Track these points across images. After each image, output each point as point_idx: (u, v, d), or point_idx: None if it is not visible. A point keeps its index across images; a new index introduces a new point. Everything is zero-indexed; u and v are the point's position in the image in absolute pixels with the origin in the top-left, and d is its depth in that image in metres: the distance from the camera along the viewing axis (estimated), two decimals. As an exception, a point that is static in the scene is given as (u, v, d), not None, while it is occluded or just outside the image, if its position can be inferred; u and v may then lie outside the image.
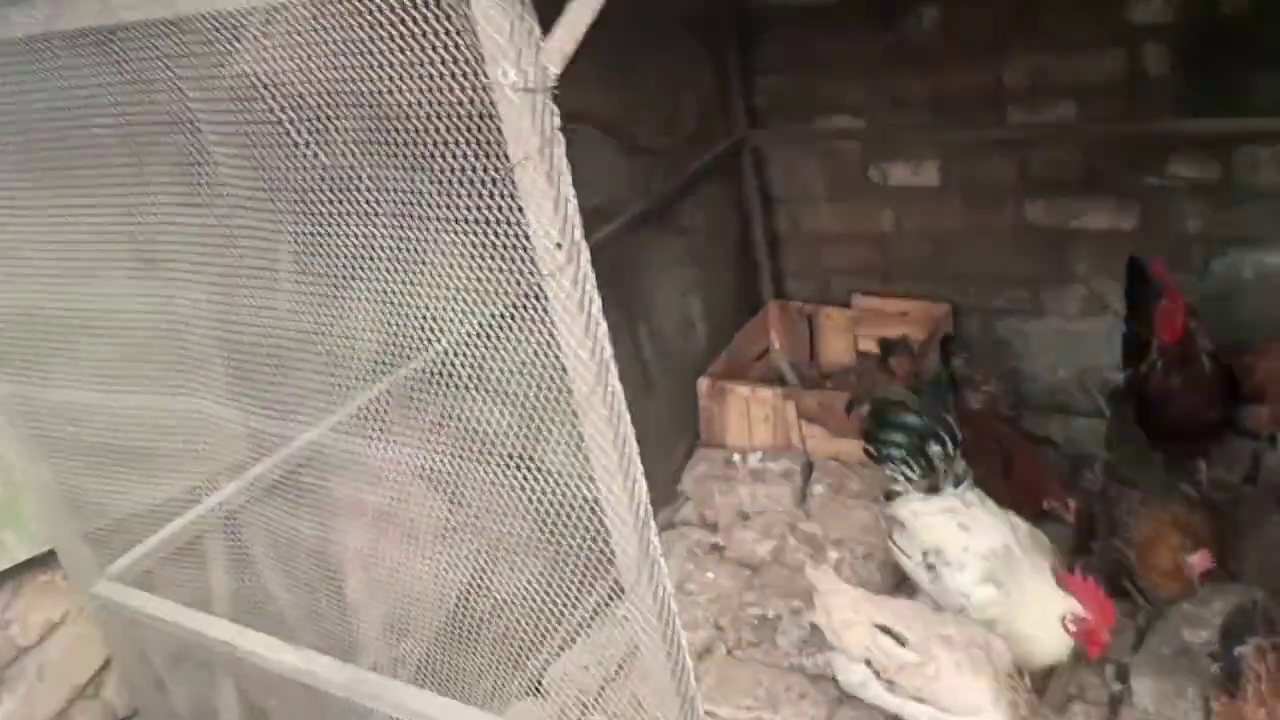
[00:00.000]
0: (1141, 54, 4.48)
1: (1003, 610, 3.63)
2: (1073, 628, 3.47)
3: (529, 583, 2.09)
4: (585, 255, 1.44)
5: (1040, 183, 4.90)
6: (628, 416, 1.60)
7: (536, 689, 4.25)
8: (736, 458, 5.09)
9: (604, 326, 1.50)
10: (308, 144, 1.58)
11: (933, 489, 3.94)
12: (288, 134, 1.58)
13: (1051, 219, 4.95)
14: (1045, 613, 3.56)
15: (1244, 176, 4.47)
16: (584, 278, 1.44)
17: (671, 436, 5.12)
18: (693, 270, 5.25)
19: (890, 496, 4.04)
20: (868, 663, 3.52)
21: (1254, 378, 4.35)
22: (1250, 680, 2.93)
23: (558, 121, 1.37)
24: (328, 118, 1.55)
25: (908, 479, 3.98)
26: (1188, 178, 4.58)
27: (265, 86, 1.56)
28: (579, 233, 1.42)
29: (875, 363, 4.83)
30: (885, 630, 3.49)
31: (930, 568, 3.80)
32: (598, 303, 1.49)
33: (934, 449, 3.92)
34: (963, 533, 3.79)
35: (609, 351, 1.52)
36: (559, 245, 1.40)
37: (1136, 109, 4.55)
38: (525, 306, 1.49)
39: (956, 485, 3.90)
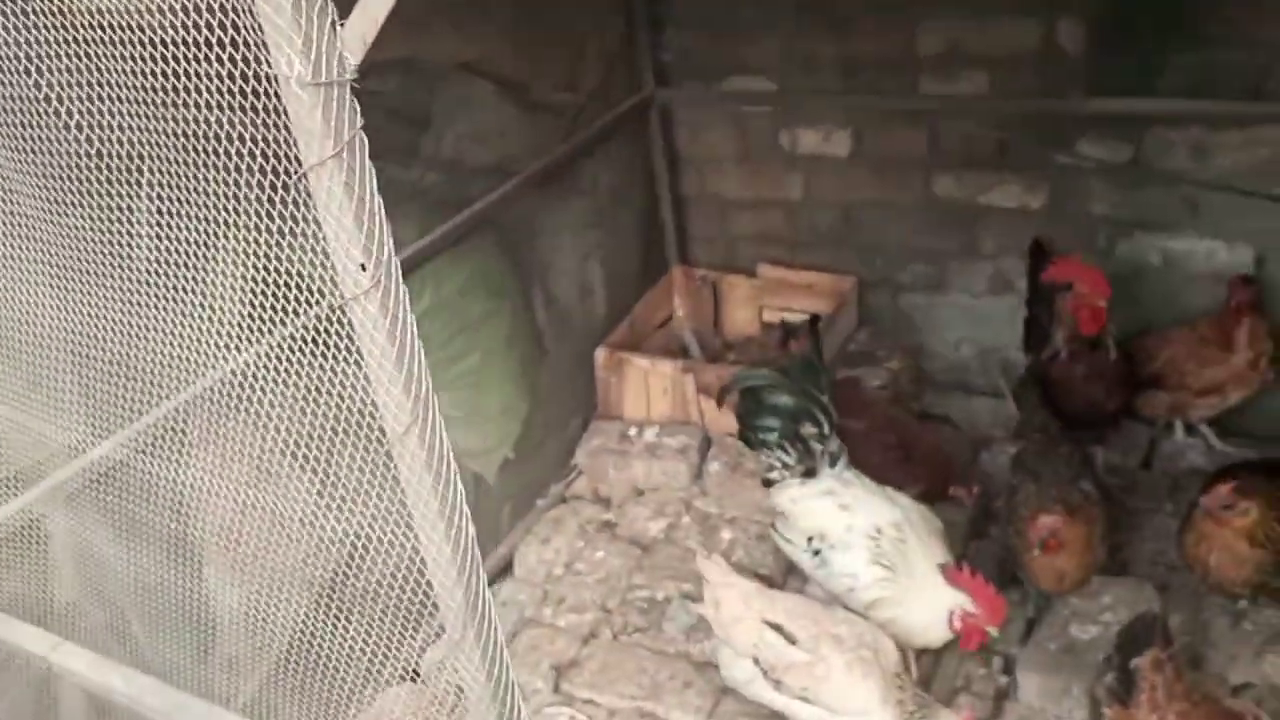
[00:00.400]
0: (1056, 28, 4.36)
1: (892, 591, 3.54)
2: (959, 624, 3.39)
3: (349, 628, 1.89)
4: (397, 276, 1.22)
5: (950, 156, 4.77)
6: (450, 457, 1.40)
7: (414, 674, 4.09)
8: (633, 431, 4.93)
9: (421, 358, 1.29)
10: (79, 125, 1.34)
11: (809, 472, 3.81)
12: (57, 113, 1.34)
13: (961, 194, 4.83)
14: (935, 602, 3.49)
15: (1154, 159, 4.39)
16: (397, 303, 1.22)
17: (567, 407, 4.94)
18: (594, 233, 5.03)
19: (768, 484, 3.91)
20: (755, 660, 3.41)
21: (1154, 364, 4.31)
22: (1145, 690, 2.89)
23: (360, 120, 1.14)
24: (100, 99, 1.31)
25: (784, 464, 3.84)
26: (1098, 158, 4.48)
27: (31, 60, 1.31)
28: (389, 250, 1.20)
29: (776, 345, 4.67)
30: (775, 627, 3.38)
31: (816, 553, 3.69)
32: (413, 330, 1.28)
33: (808, 429, 3.78)
34: (844, 513, 3.69)
35: (427, 385, 1.32)
36: (363, 266, 1.18)
37: (1049, 85, 4.44)
38: (329, 332, 1.27)
39: (833, 465, 3.78)
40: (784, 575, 4.18)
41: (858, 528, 3.63)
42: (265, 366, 1.54)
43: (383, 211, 1.20)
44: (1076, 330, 4.15)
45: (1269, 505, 3.25)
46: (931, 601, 3.50)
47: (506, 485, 4.57)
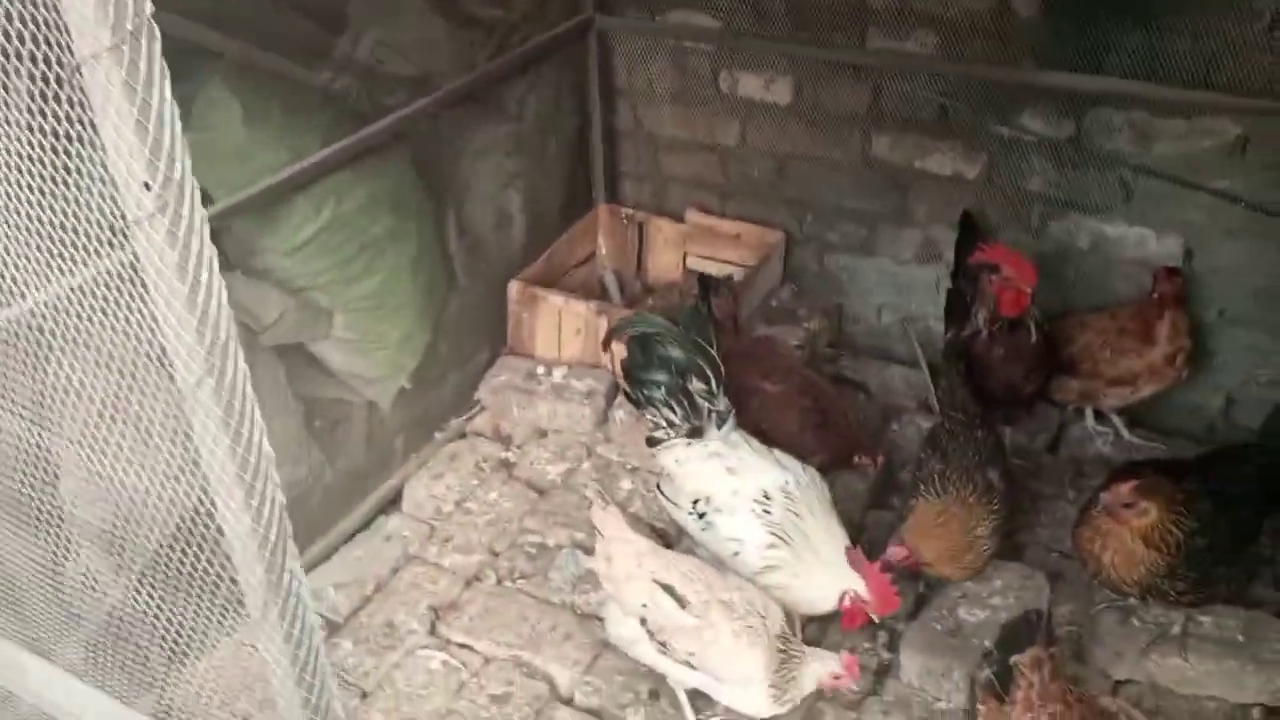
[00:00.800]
0: (1011, -7, 4.20)
1: (781, 559, 3.45)
2: (847, 603, 3.32)
3: (146, 597, 1.70)
4: (193, 199, 1.03)
5: (891, 117, 4.62)
6: (255, 416, 1.22)
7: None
8: (541, 370, 4.75)
9: (221, 299, 1.10)
10: None
11: (696, 432, 3.67)
12: None
13: (897, 156, 4.69)
14: (829, 578, 3.41)
15: (1095, 139, 4.28)
16: (191, 232, 1.03)
17: (474, 340, 4.74)
18: (517, 160, 4.80)
19: (653, 443, 3.77)
20: (643, 621, 3.30)
21: (1069, 349, 4.24)
22: (1021, 688, 2.84)
23: (151, 7, 0.94)
24: None
25: (670, 423, 3.70)
26: (1039, 132, 4.36)
27: None
28: (183, 168, 1.01)
29: (693, 300, 4.50)
30: (667, 589, 3.26)
31: (701, 516, 3.58)
32: (212, 265, 1.08)
33: (696, 386, 3.64)
34: (731, 477, 3.58)
35: (228, 330, 1.13)
36: (147, 185, 0.98)
37: (998, 51, 4.28)
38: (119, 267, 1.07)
39: (720, 426, 3.65)
40: (680, 532, 4.06)
41: (744, 492, 3.52)
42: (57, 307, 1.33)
43: (177, 121, 1.00)
44: (998, 310, 4.05)
45: (1168, 507, 3.20)
46: (826, 577, 3.43)
47: (402, 415, 4.39)
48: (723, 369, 3.66)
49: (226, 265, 3.55)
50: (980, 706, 2.94)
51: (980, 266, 4.05)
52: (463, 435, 4.68)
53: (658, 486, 3.82)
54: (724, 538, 3.53)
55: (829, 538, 3.52)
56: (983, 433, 3.76)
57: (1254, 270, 4.19)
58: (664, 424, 3.70)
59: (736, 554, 3.51)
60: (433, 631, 3.79)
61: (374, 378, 4.18)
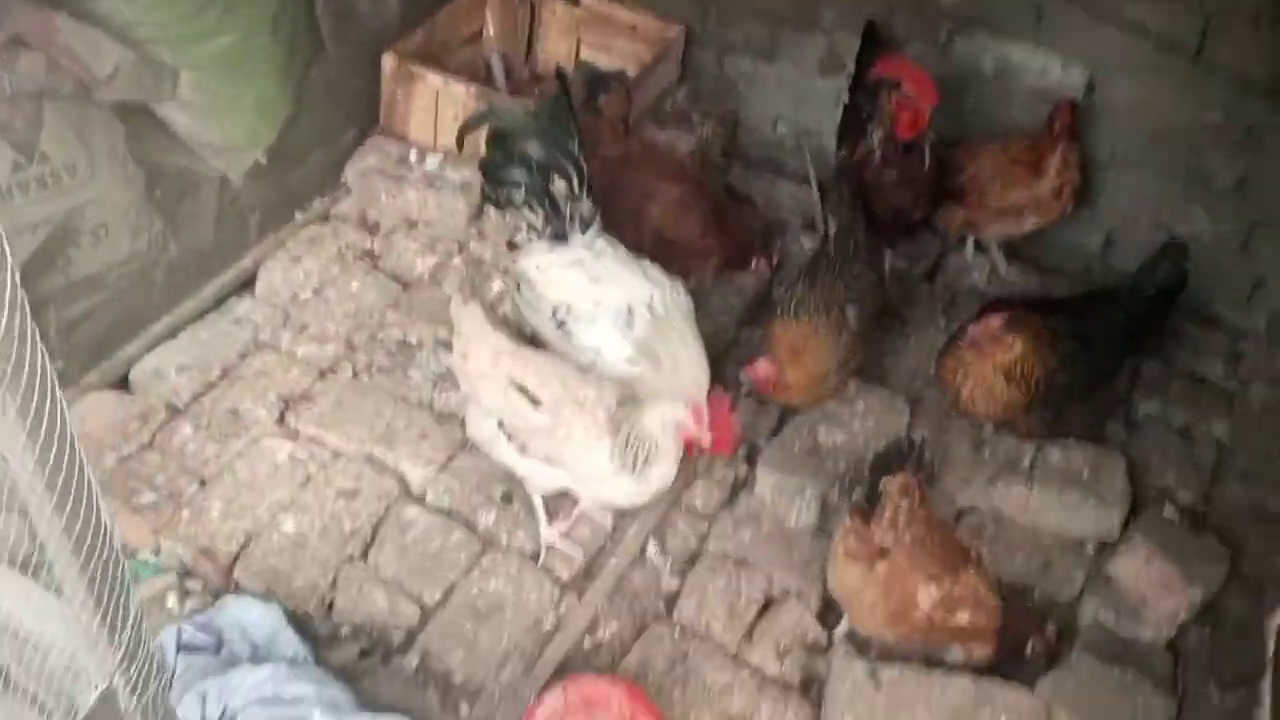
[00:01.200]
0: None
1: (641, 373, 3.38)
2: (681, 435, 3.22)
3: None
4: None
5: (807, -92, 4.30)
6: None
7: (122, 382, 3.72)
8: (414, 156, 4.47)
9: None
10: None
11: (559, 236, 3.50)
12: None
13: (810, -49, 4.39)
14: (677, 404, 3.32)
15: (1013, -47, 4.06)
16: None
17: (342, 116, 4.41)
18: (398, -85, 4.36)
19: (513, 247, 3.60)
20: (500, 422, 3.20)
21: (959, 177, 4.15)
22: (888, 510, 2.90)
23: None
24: None
25: (531, 226, 3.51)
26: (957, -60, 4.12)
27: None
28: None
29: (580, 99, 4.20)
30: (521, 389, 3.15)
31: (560, 325, 3.45)
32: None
33: (558, 186, 3.44)
34: (594, 286, 3.45)
35: None
36: None
37: None
38: None
39: (584, 230, 3.49)
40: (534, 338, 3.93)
41: (607, 304, 3.39)
42: None
43: None
44: (894, 131, 3.90)
45: (1033, 345, 3.19)
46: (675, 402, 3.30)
47: (258, 192, 4.08)
48: (586, 168, 3.44)
49: (53, 1, 3.19)
50: (847, 521, 2.97)
51: (880, 81, 3.87)
52: (326, 219, 4.40)
53: (517, 289, 3.66)
54: (582, 346, 3.42)
55: (691, 362, 3.43)
56: (859, 267, 3.66)
57: (1152, 111, 4.11)
58: (524, 226, 3.50)
59: (594, 365, 3.41)
60: (281, 422, 3.64)
61: (225, 147, 3.84)
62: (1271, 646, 3.25)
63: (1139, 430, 3.86)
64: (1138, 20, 3.93)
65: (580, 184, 3.44)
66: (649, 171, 3.99)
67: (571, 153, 3.41)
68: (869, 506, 2.98)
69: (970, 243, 4.40)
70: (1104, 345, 3.27)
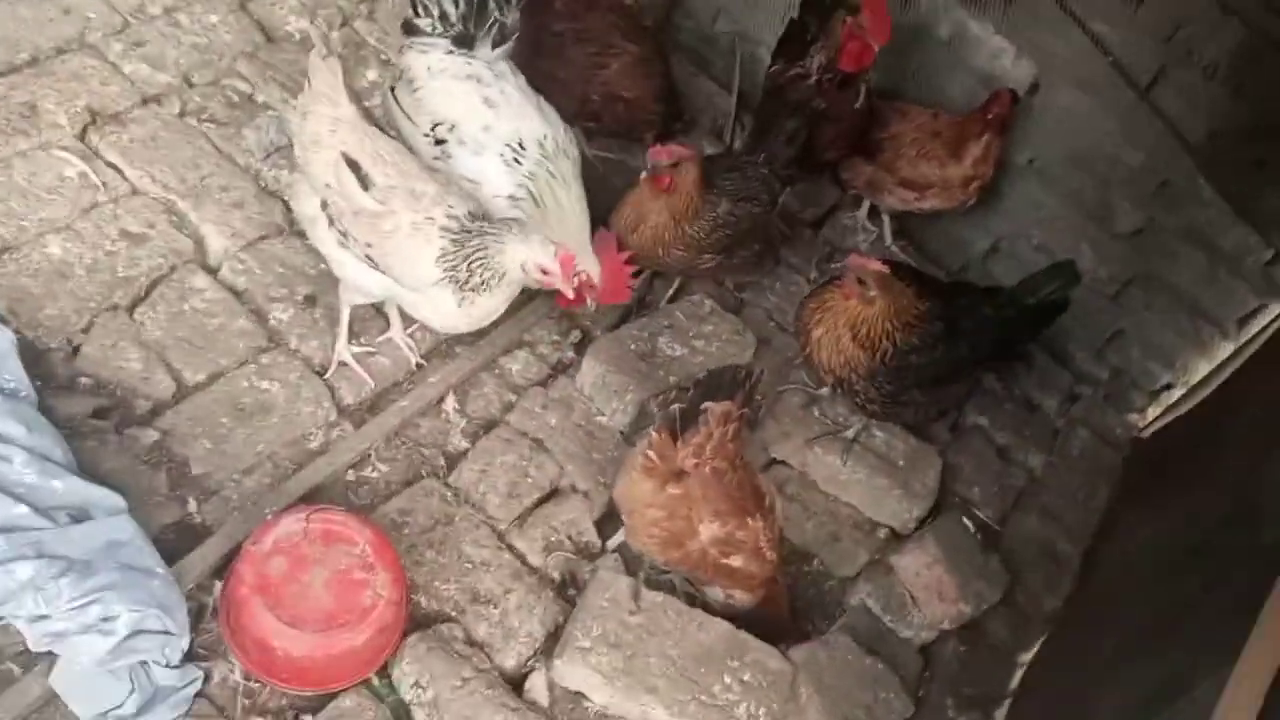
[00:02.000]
0: None
1: (523, 215, 3.06)
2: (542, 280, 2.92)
3: None
4: None
5: None
6: None
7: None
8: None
9: None
10: None
11: (464, 40, 3.11)
12: None
13: None
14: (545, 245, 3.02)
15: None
16: None
17: None
18: None
19: (411, 31, 3.16)
20: (324, 204, 2.81)
21: (880, 133, 3.94)
22: (700, 433, 2.67)
23: None
24: None
25: (444, 16, 3.11)
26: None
27: None
28: None
29: None
30: (353, 166, 2.74)
31: (439, 143, 3.10)
32: None
33: None
34: (486, 110, 3.09)
35: None
36: None
37: None
38: None
39: (495, 46, 3.12)
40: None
41: (498, 132, 3.06)
42: None
43: None
44: (838, 59, 3.65)
45: (892, 313, 3.03)
46: (546, 244, 3.00)
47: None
48: None
49: None
50: (653, 434, 2.76)
51: (840, 2, 3.60)
52: (204, -61, 3.85)
53: (391, 89, 3.24)
54: (460, 175, 3.06)
55: (575, 211, 3.14)
56: (755, 173, 3.43)
57: (1082, 131, 3.99)
58: (436, 13, 3.09)
59: (470, 196, 3.06)
60: (82, 137, 3.17)
61: None
62: (1017, 679, 3.28)
63: (962, 437, 3.81)
64: (1102, 35, 3.78)
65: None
66: (614, 29, 3.68)
67: None
68: (680, 424, 2.76)
69: (865, 205, 4.23)
70: (968, 342, 3.15)
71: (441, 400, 3.13)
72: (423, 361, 3.14)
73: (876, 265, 3.01)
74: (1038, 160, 4.12)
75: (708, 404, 2.71)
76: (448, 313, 2.79)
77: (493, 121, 3.06)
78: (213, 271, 3.09)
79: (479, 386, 3.22)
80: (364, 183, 2.71)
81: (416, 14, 3.11)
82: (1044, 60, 3.94)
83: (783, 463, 3.46)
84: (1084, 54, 3.84)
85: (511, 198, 3.08)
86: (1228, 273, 3.96)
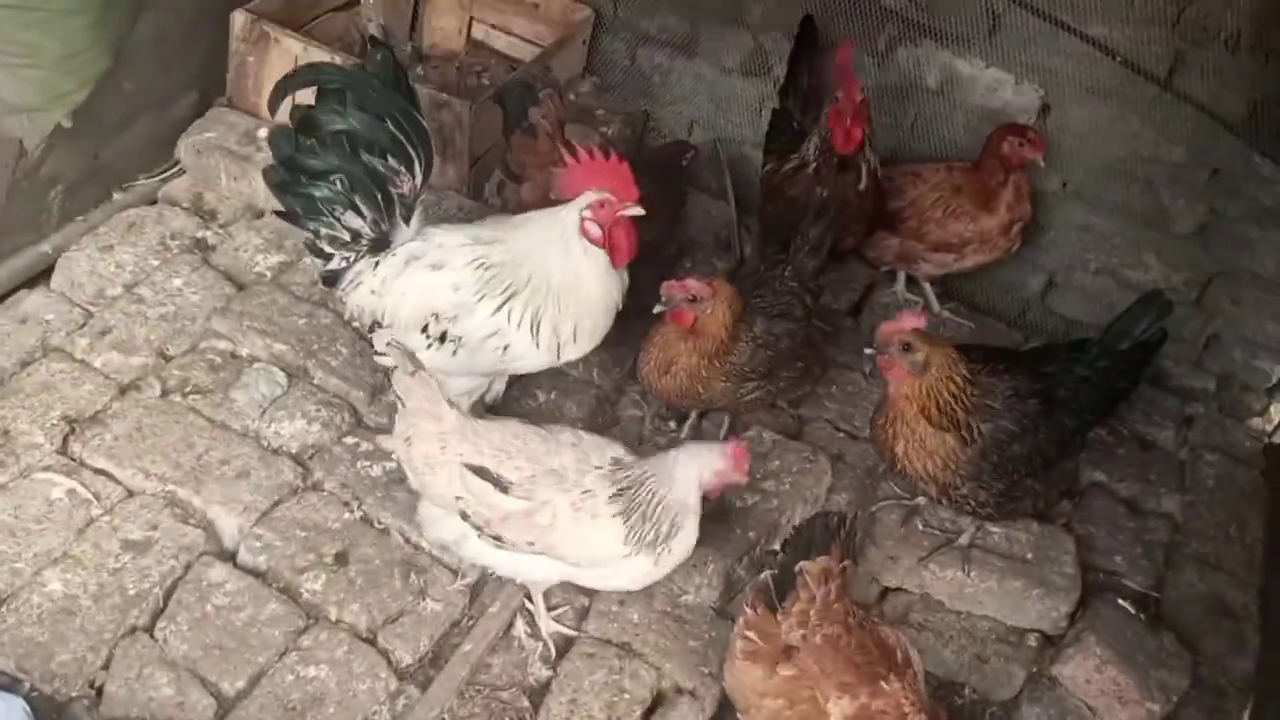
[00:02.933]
0: None
1: (535, 302, 2.77)
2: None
3: None
4: None
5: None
6: None
7: None
8: (264, 133, 3.76)
9: None
10: None
11: (379, 244, 2.78)
12: None
13: (738, -60, 3.86)
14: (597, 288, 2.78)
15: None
16: None
17: (176, 79, 3.70)
18: None
19: (331, 281, 2.85)
20: (464, 515, 2.55)
21: (897, 202, 3.63)
22: (801, 598, 2.34)
23: None
24: None
25: (354, 237, 2.76)
26: (907, -65, 3.62)
27: None
28: None
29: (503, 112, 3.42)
30: (479, 472, 2.50)
31: (442, 339, 2.78)
32: None
33: (389, 166, 2.69)
34: (443, 273, 2.76)
35: None
36: None
37: None
38: None
39: (408, 220, 2.79)
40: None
41: (464, 280, 2.75)
42: None
43: None
44: (830, 143, 3.37)
45: (948, 361, 2.66)
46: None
47: (63, 162, 3.36)
48: (425, 128, 2.76)
49: None
50: (748, 610, 2.42)
51: (820, 81, 3.32)
52: (152, 201, 3.69)
53: (369, 343, 2.95)
54: (479, 345, 2.76)
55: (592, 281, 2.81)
56: (783, 284, 3.12)
57: (1109, 140, 3.67)
58: (342, 241, 2.78)
59: (507, 347, 2.77)
60: (63, 449, 2.92)
61: (18, 105, 3.11)
62: (1235, 770, 2.81)
63: (1084, 503, 3.39)
64: (1102, 38, 3.48)
65: (424, 163, 2.76)
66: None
67: (411, 116, 2.73)
68: (776, 592, 2.40)
69: (901, 277, 3.90)
70: (1069, 411, 2.77)
71: (509, 627, 2.79)
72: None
73: (908, 321, 2.66)
74: (1070, 183, 3.79)
75: (802, 564, 2.36)
76: (642, 575, 2.60)
77: (454, 277, 2.76)
78: (230, 558, 2.80)
79: (547, 598, 2.88)
80: (499, 484, 2.48)
81: (321, 257, 2.81)
82: (1047, 79, 3.65)
83: (898, 589, 3.06)
84: (1088, 61, 3.55)
85: (538, 341, 2.77)
86: (1314, 243, 3.58)
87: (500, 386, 3.19)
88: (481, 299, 2.74)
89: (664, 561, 2.56)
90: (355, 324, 3.01)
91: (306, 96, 2.76)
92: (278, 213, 2.80)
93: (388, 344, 2.63)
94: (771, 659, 2.38)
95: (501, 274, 2.74)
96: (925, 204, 3.57)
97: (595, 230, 2.70)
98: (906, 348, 2.66)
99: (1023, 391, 2.72)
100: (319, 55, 3.72)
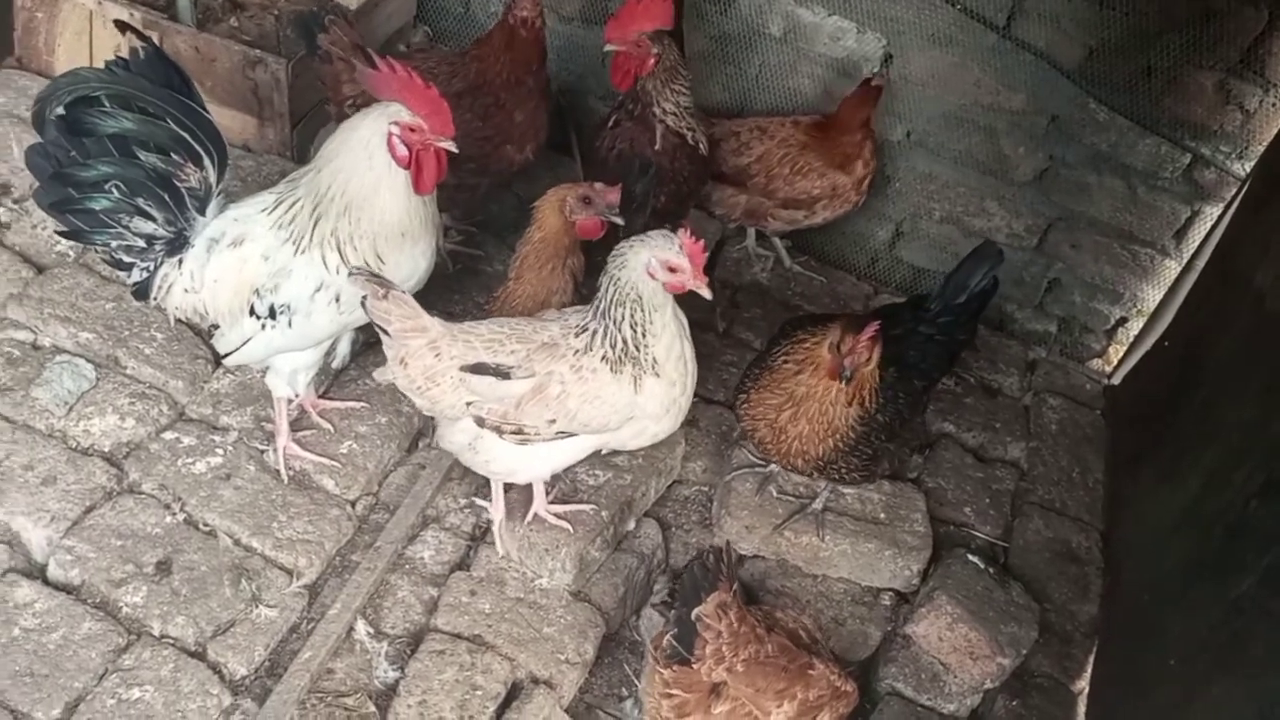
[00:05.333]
0: None
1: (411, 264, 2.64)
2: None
3: None
4: None
5: None
6: None
7: None
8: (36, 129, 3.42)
9: None
10: None
11: (176, 243, 2.56)
12: None
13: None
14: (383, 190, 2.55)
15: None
16: None
17: (-45, 39, 3.32)
18: None
19: (140, 295, 2.62)
20: (479, 420, 2.52)
21: (745, 158, 3.53)
22: (709, 640, 2.28)
23: None
24: None
25: (149, 242, 2.53)
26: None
27: None
28: None
29: (296, 43, 3.25)
30: (478, 369, 2.45)
31: (274, 314, 2.57)
32: None
33: (169, 163, 2.45)
34: (247, 246, 2.55)
35: None
36: None
37: None
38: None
39: (203, 210, 2.55)
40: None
41: (273, 252, 2.55)
42: None
43: None
44: (615, 85, 3.21)
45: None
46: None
47: None
48: (210, 120, 2.51)
49: None
50: (662, 671, 2.35)
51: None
52: (-68, 177, 3.33)
53: (209, 342, 2.76)
54: (309, 298, 2.57)
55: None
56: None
57: (951, 89, 3.66)
58: (139, 249, 2.55)
59: (338, 297, 2.56)
60: None
61: None
62: (1082, 713, 2.89)
63: (933, 454, 3.41)
64: (943, -17, 3.44)
65: (215, 155, 2.51)
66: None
67: (194, 116, 2.47)
68: (683, 646, 2.32)
69: (751, 232, 3.83)
70: (918, 371, 2.74)
71: (350, 630, 2.64)
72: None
73: (868, 336, 2.52)
74: (914, 132, 3.77)
75: (697, 610, 2.28)
76: (663, 402, 2.52)
77: (263, 249, 2.55)
78: (39, 574, 2.57)
79: (391, 594, 2.74)
80: (499, 373, 2.44)
81: (123, 269, 2.59)
82: (889, 28, 3.60)
83: (755, 557, 3.03)
84: (929, 8, 3.51)
85: (336, 257, 2.56)
86: (1148, 190, 3.65)
87: (345, 347, 3.05)
88: (297, 253, 2.55)
89: (664, 373, 2.49)
90: (195, 328, 2.79)
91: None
92: (60, 233, 2.52)
93: (350, 273, 2.45)
94: (703, 704, 2.37)
95: (304, 207, 2.54)
96: (772, 160, 3.48)
97: (402, 150, 2.52)
98: (868, 360, 2.54)
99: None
100: (114, 9, 3.40)
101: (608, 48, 3.11)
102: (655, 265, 2.42)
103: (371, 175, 2.53)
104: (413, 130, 2.51)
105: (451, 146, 2.55)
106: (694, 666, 2.29)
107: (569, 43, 3.98)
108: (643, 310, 2.46)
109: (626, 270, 2.43)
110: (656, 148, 3.16)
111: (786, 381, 2.66)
